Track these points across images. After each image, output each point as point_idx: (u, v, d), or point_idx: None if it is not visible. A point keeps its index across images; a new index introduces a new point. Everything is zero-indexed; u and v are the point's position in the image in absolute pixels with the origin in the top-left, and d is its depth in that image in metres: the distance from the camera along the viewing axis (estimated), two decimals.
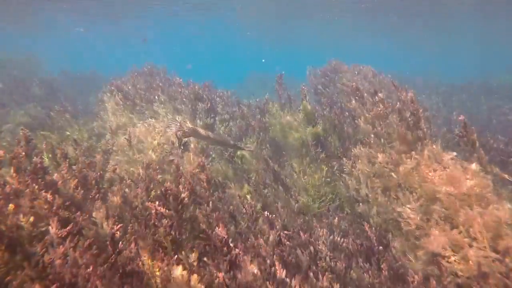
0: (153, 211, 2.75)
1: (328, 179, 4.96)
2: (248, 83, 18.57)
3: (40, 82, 12.32)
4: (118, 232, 2.52)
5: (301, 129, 5.30)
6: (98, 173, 3.79)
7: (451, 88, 15.20)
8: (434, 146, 3.59)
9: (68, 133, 6.76)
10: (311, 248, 3.22)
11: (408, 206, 3.14)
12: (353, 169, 4.53)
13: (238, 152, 5.62)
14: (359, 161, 4.41)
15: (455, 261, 2.76)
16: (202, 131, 5.07)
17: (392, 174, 3.76)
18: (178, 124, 5.19)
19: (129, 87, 7.96)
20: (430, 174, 3.19)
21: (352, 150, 4.55)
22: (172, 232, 2.73)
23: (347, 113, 5.89)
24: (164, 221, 2.71)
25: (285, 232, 3.38)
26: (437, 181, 3.05)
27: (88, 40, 41.06)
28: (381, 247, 3.35)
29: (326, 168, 4.96)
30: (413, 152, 3.69)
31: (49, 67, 16.91)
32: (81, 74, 16.69)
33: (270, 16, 26.82)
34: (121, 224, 2.67)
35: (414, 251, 3.10)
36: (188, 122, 5.63)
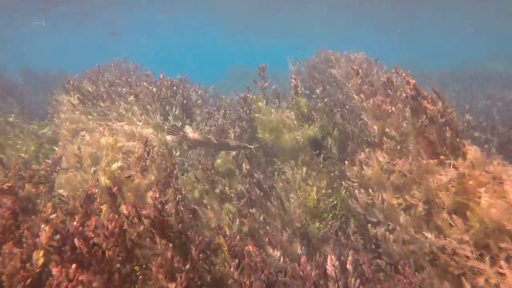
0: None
1: (330, 190, 4.04)
2: (230, 79, 17.76)
3: None
4: None
5: (295, 128, 4.35)
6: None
7: (441, 77, 14.66)
8: (474, 149, 2.71)
9: (11, 141, 5.57)
10: None
11: (456, 236, 2.24)
12: (362, 178, 3.62)
13: (218, 160, 4.62)
14: (369, 168, 3.51)
15: None
16: (212, 138, 4.45)
17: (418, 187, 2.87)
18: (182, 132, 4.19)
19: (89, 85, 6.79)
20: (480, 191, 2.31)
21: (361, 154, 3.63)
22: None
23: (347, 107, 4.98)
24: None
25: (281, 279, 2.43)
26: (496, 207, 2.15)
27: (57, 38, 38.53)
28: None
29: (326, 177, 4.04)
30: (444, 159, 2.80)
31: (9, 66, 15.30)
32: (47, 73, 15.15)
33: (251, 9, 25.77)
34: None
35: None
36: (189, 128, 4.60)
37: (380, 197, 3.12)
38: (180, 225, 2.50)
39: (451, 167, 2.56)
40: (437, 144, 3.02)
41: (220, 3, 23.27)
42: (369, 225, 3.17)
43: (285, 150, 4.37)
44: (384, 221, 3.03)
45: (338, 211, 3.98)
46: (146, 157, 3.69)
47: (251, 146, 4.59)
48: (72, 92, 6.54)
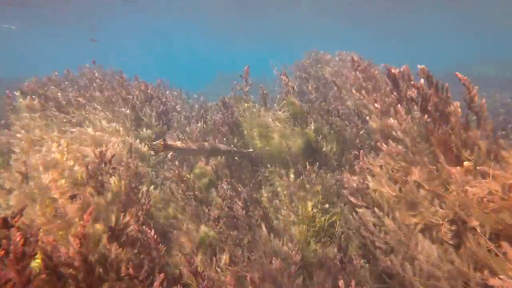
0: None
1: (326, 205, 3.41)
2: (216, 84, 17.28)
3: None
4: None
5: (286, 131, 3.72)
6: None
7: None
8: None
9: None
10: None
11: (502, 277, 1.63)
12: (364, 191, 3.01)
13: (196, 170, 3.95)
14: (374, 178, 2.90)
15: None
16: (205, 144, 3.78)
17: (441, 202, 2.27)
18: (163, 142, 3.51)
19: (52, 88, 6.04)
20: None
21: (362, 160, 3.02)
22: None
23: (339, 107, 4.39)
24: None
25: None
26: None
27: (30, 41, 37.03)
28: None
29: (322, 188, 3.41)
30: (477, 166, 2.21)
31: None
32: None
33: (234, 13, 25.36)
34: None
35: None
36: (169, 138, 3.86)
37: (390, 216, 2.51)
38: (130, 269, 1.82)
39: (490, 176, 1.97)
40: (459, 147, 2.44)
41: (207, 8, 22.76)
42: (378, 251, 2.54)
43: (274, 157, 3.73)
44: (396, 246, 2.40)
45: (337, 229, 3.35)
46: (103, 170, 2.99)
47: (245, 151, 3.95)
48: (32, 96, 5.78)
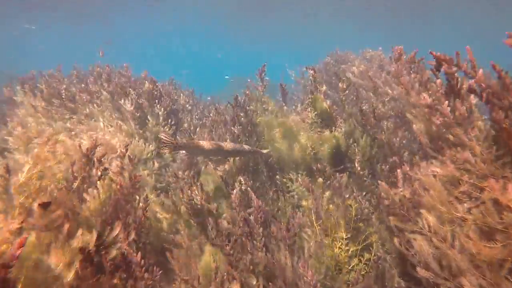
0: None
1: (360, 224, 2.77)
2: (230, 89, 16.86)
3: None
4: None
5: (313, 134, 3.12)
6: None
7: None
8: None
9: None
10: None
11: None
12: (407, 207, 2.38)
13: (202, 177, 3.39)
14: (426, 192, 2.26)
15: None
16: (225, 144, 3.28)
17: None
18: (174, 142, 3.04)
19: (55, 83, 5.65)
20: None
21: (408, 168, 2.39)
22: None
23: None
24: None
25: None
26: None
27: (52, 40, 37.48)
28: None
29: (356, 204, 2.77)
30: None
31: None
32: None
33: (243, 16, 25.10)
34: None
35: None
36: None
37: (457, 247, 1.86)
38: None
39: None
40: None
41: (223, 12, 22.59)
42: None
43: (297, 162, 3.13)
44: None
45: (373, 254, 2.71)
46: (90, 171, 2.46)
47: (264, 151, 3.40)
48: (33, 92, 5.41)
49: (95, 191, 2.28)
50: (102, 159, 2.56)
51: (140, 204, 2.61)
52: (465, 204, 2.01)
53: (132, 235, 2.27)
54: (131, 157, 2.77)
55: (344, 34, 34.59)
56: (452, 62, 2.48)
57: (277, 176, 3.49)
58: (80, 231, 1.85)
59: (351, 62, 6.60)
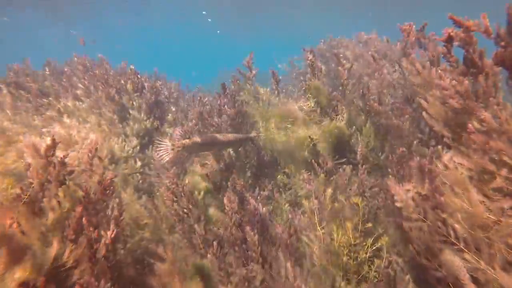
0: None
1: (369, 224, 2.44)
2: (220, 81, 16.28)
3: None
4: None
5: (311, 123, 2.75)
6: None
7: None
8: None
9: None
10: None
11: None
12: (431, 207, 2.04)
13: (190, 176, 3.00)
14: (448, 188, 1.92)
15: None
16: (219, 136, 3.03)
17: None
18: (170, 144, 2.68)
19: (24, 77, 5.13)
20: None
21: (423, 160, 2.05)
22: None
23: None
24: None
25: None
26: None
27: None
28: None
29: (363, 203, 2.43)
30: None
31: None
32: None
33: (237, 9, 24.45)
34: None
35: None
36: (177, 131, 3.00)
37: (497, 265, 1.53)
38: None
39: None
40: None
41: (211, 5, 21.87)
42: None
43: (293, 155, 2.76)
44: None
45: (384, 260, 2.38)
46: (49, 175, 2.05)
47: (253, 135, 3.13)
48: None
49: (54, 200, 1.88)
50: (66, 161, 2.15)
51: (114, 213, 2.21)
52: (498, 203, 1.68)
53: (102, 251, 1.89)
54: (101, 157, 2.36)
55: (333, 23, 34.13)
56: (472, 28, 2.12)
57: (273, 171, 3.14)
58: (28, 255, 1.45)
59: (344, 47, 6.24)
